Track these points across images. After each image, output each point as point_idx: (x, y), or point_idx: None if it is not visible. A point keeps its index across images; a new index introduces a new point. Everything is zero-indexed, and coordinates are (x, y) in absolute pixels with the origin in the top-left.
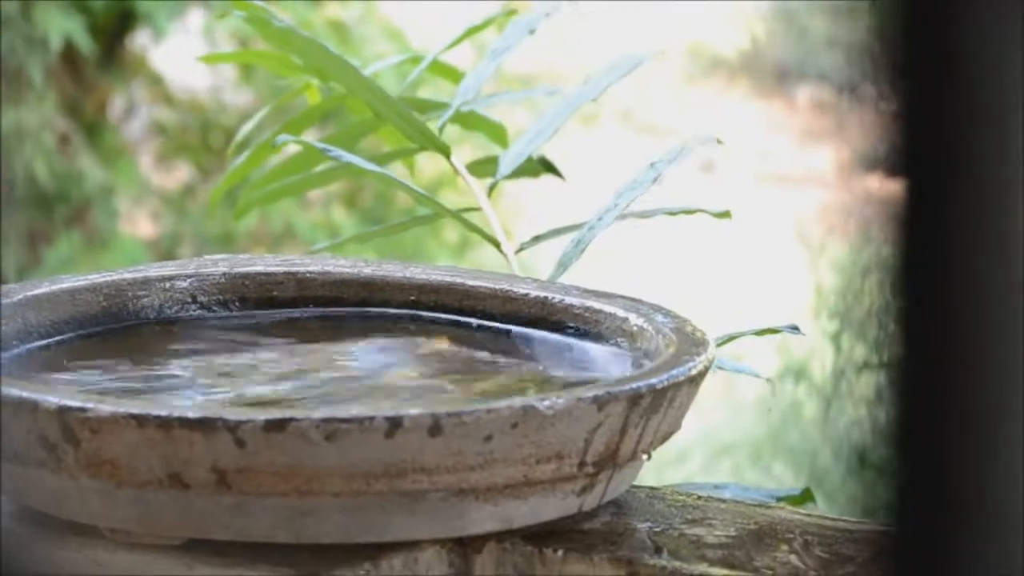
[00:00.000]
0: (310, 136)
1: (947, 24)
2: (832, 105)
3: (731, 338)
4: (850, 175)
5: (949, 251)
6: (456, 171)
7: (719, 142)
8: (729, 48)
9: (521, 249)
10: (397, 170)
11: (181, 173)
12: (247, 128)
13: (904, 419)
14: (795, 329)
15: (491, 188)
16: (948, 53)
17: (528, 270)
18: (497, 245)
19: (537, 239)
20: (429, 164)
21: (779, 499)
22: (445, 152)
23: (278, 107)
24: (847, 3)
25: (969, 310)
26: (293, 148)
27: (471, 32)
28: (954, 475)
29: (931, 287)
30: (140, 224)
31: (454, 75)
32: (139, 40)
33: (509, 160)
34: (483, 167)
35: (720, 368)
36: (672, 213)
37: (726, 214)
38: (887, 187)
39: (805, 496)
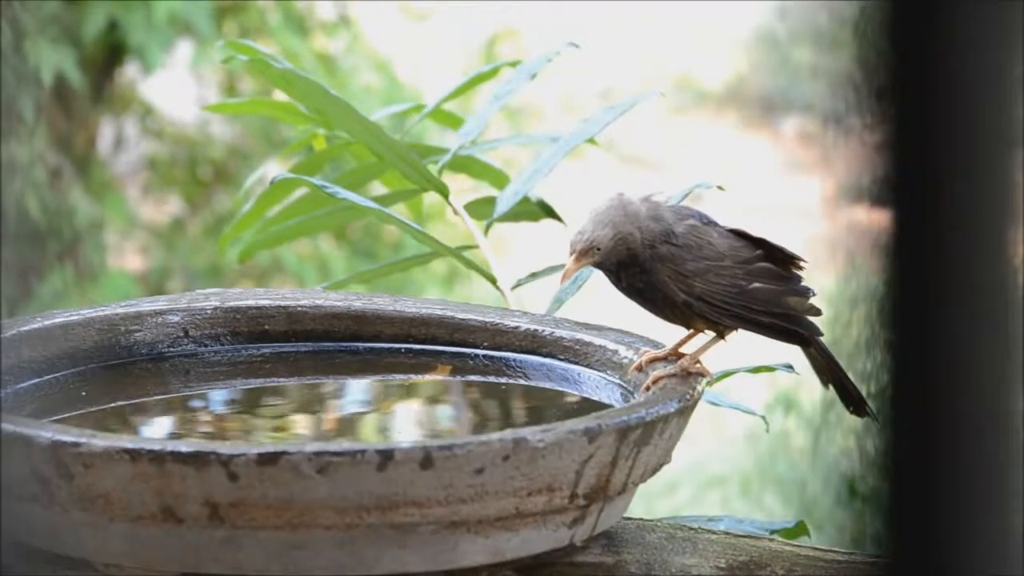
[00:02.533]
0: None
1: (936, 50)
2: (818, 136)
3: (726, 375)
4: (836, 206)
5: (939, 279)
6: (455, 211)
7: (720, 188)
8: (715, 80)
9: (517, 286)
10: (397, 210)
11: (169, 207)
12: (254, 177)
13: (894, 447)
14: (789, 368)
15: (488, 227)
16: (937, 80)
17: (524, 307)
18: (494, 282)
19: (534, 276)
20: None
21: (773, 532)
22: (444, 192)
23: (285, 155)
24: (831, 34)
25: (960, 335)
26: (296, 194)
27: (478, 80)
28: (944, 500)
29: (920, 315)
30: (128, 258)
31: (454, 121)
32: (129, 73)
33: (506, 200)
34: (481, 207)
35: (715, 404)
36: None
37: None
38: (873, 218)
39: (799, 529)
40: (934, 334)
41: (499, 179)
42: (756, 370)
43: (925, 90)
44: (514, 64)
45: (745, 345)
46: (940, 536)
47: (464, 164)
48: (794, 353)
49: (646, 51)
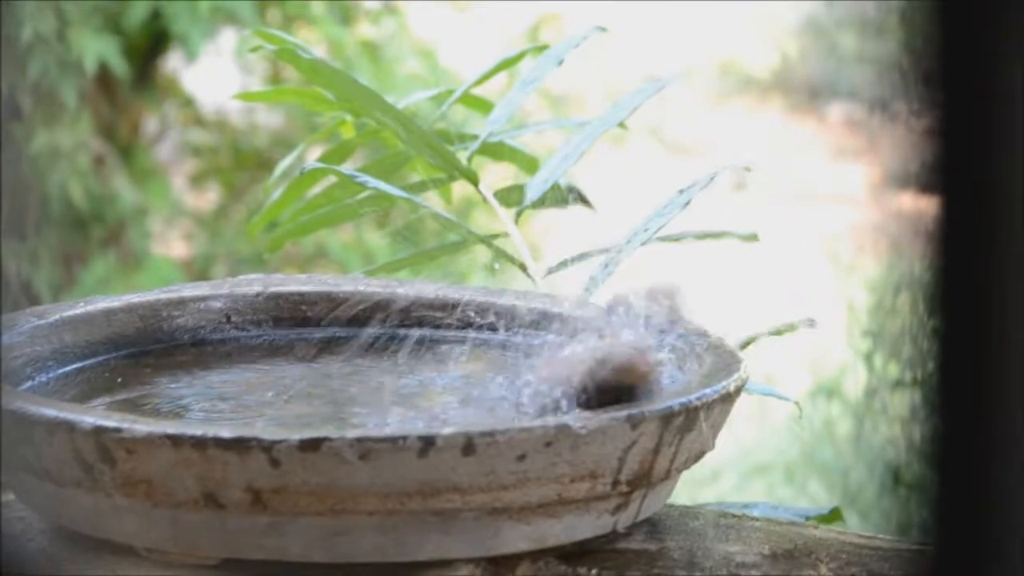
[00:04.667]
0: (345, 170)
1: (981, 39)
2: (863, 123)
3: (749, 340)
4: (882, 193)
5: (985, 266)
6: (484, 199)
7: (748, 169)
8: (761, 66)
9: (549, 273)
10: (429, 197)
11: (214, 194)
12: (284, 164)
13: (941, 436)
14: (811, 322)
15: (519, 213)
16: (983, 68)
17: (556, 293)
18: (525, 270)
19: (564, 264)
20: (458, 188)
21: (808, 518)
22: (473, 181)
23: (313, 143)
24: (877, 20)
25: (1003, 322)
26: (327, 182)
27: (504, 65)
28: (989, 489)
29: (966, 301)
30: (173, 245)
31: (485, 107)
32: (172, 62)
33: (536, 186)
34: (511, 194)
35: (748, 392)
36: (700, 237)
37: (754, 237)
38: (919, 205)
39: (834, 515)
40: (982, 321)
41: (529, 164)
42: (778, 331)
43: (972, 74)
44: (541, 49)
45: (772, 322)
46: (986, 526)
47: (494, 150)
48: (832, 334)
49: (690, 37)
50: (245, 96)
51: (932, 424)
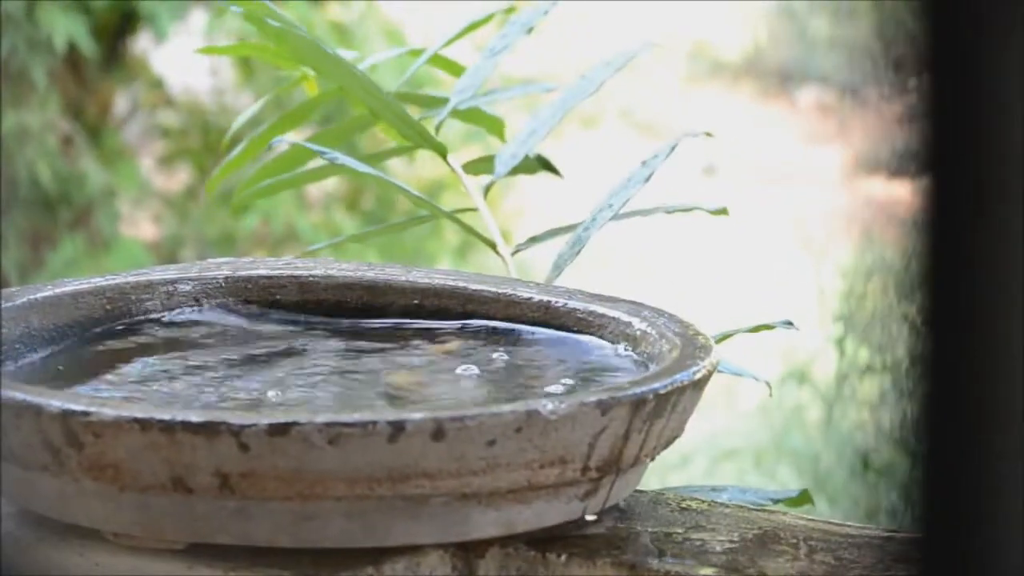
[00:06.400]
0: (309, 128)
1: (967, 23)
2: (834, 107)
3: (725, 336)
4: (853, 178)
5: (968, 250)
6: (452, 170)
7: (708, 135)
8: (732, 49)
9: (518, 251)
10: (397, 165)
11: (183, 175)
12: (242, 119)
13: (922, 420)
14: (789, 324)
15: (487, 188)
16: (967, 52)
17: (526, 271)
18: (493, 247)
19: (533, 240)
20: (431, 164)
21: (776, 501)
22: (441, 151)
23: (275, 98)
24: (849, 4)
25: (987, 308)
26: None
27: (471, 28)
28: (970, 475)
29: (950, 286)
30: (142, 226)
31: (455, 68)
32: (141, 42)
33: (505, 159)
34: (480, 166)
35: (719, 371)
36: (670, 211)
37: (723, 211)
38: (890, 189)
39: (802, 498)
40: (960, 306)
41: (494, 126)
42: (755, 329)
43: (955, 57)
44: (510, 11)
45: (743, 306)
46: (965, 512)
47: (460, 114)
48: (802, 318)
49: (662, 19)
50: (208, 50)
51: (903, 409)
